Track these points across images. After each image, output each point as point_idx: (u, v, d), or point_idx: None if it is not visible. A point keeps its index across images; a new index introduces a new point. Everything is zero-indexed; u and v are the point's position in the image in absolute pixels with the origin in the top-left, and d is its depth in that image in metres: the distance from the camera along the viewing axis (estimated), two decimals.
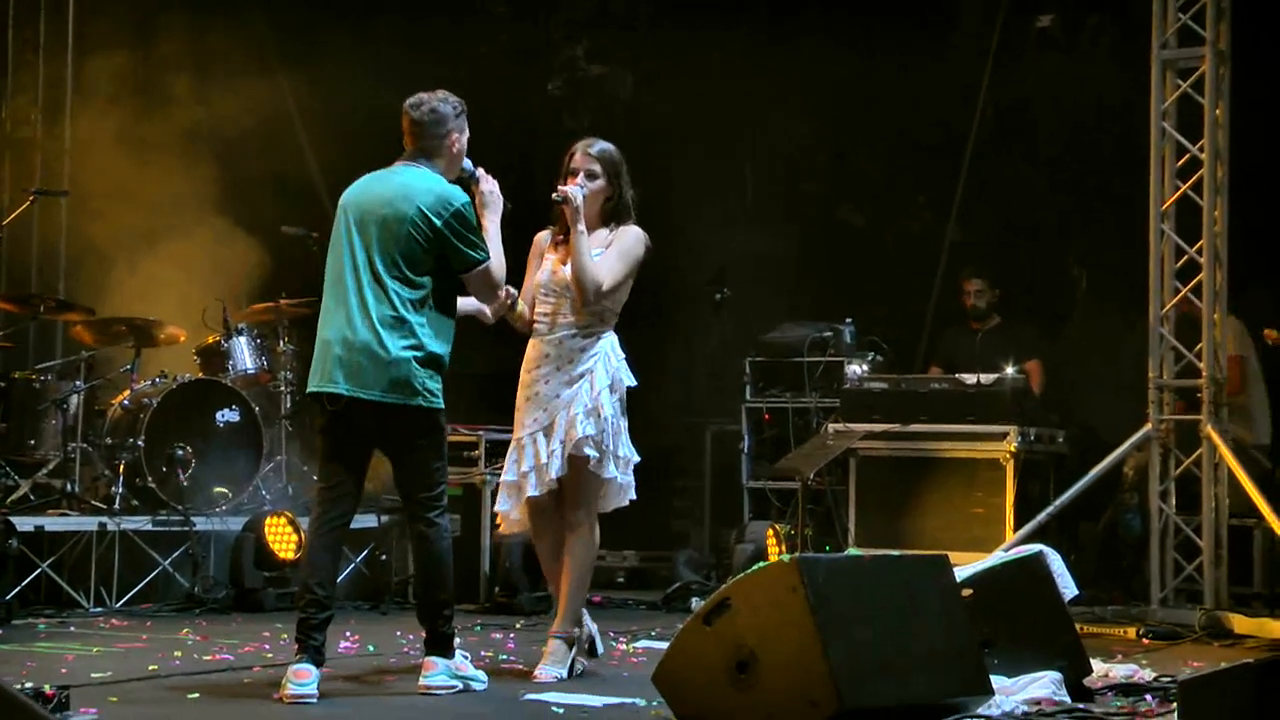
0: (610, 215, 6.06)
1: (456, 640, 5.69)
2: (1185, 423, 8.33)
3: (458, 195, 5.59)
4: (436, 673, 5.53)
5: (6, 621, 7.40)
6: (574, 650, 6.03)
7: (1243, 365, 8.92)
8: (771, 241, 11.05)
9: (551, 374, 5.98)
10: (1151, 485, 8.35)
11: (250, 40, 10.90)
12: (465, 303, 5.81)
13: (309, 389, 5.64)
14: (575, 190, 5.96)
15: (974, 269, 9.63)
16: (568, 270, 5.99)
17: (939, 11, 10.91)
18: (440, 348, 5.55)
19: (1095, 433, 9.35)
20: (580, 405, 5.92)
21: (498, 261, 5.66)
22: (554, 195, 5.99)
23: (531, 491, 5.96)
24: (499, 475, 8.44)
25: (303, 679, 5.37)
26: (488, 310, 5.92)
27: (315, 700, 5.35)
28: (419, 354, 5.48)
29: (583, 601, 6.08)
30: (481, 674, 5.72)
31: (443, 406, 5.58)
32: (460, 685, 5.57)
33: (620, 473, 6.00)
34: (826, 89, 10.86)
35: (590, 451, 5.90)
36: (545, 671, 5.91)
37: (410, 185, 5.57)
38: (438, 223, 5.51)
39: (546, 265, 6.07)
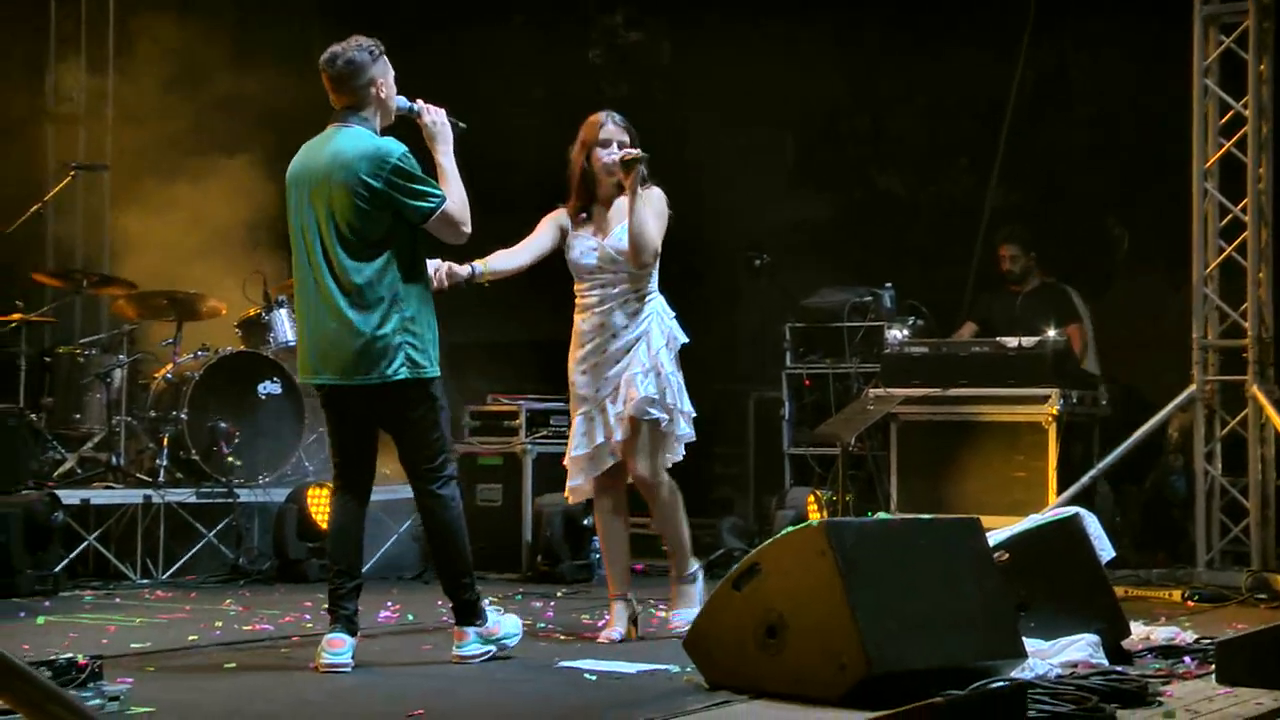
0: (642, 183, 6.09)
1: (486, 600, 5.69)
2: (1230, 383, 8.25)
3: (393, 149, 5.32)
4: (468, 642, 5.53)
5: (54, 594, 7.49)
6: (699, 582, 6.25)
7: (1080, 333, 9.14)
8: (811, 206, 11.00)
9: (608, 342, 6.07)
10: (1196, 447, 8.28)
11: (293, 12, 10.91)
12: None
13: (300, 379, 5.62)
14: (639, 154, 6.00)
15: (1007, 234, 9.55)
16: (608, 243, 6.04)
17: None
18: (414, 310, 5.38)
19: (1139, 394, 9.27)
20: (639, 365, 6.01)
21: (457, 198, 5.39)
22: (628, 157, 5.96)
23: (610, 460, 6.07)
24: (539, 445, 8.60)
25: (337, 648, 5.38)
26: (444, 276, 5.69)
27: (350, 669, 5.36)
28: (393, 327, 5.33)
29: (688, 538, 6.24)
30: (514, 625, 5.67)
31: (433, 375, 5.42)
32: (493, 650, 5.57)
33: (688, 427, 6.13)
34: (866, 52, 10.78)
35: (656, 412, 6.00)
36: (678, 617, 6.11)
37: (343, 152, 5.32)
38: (378, 184, 5.27)
39: (585, 245, 6.08)
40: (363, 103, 5.41)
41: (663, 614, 6.95)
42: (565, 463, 6.22)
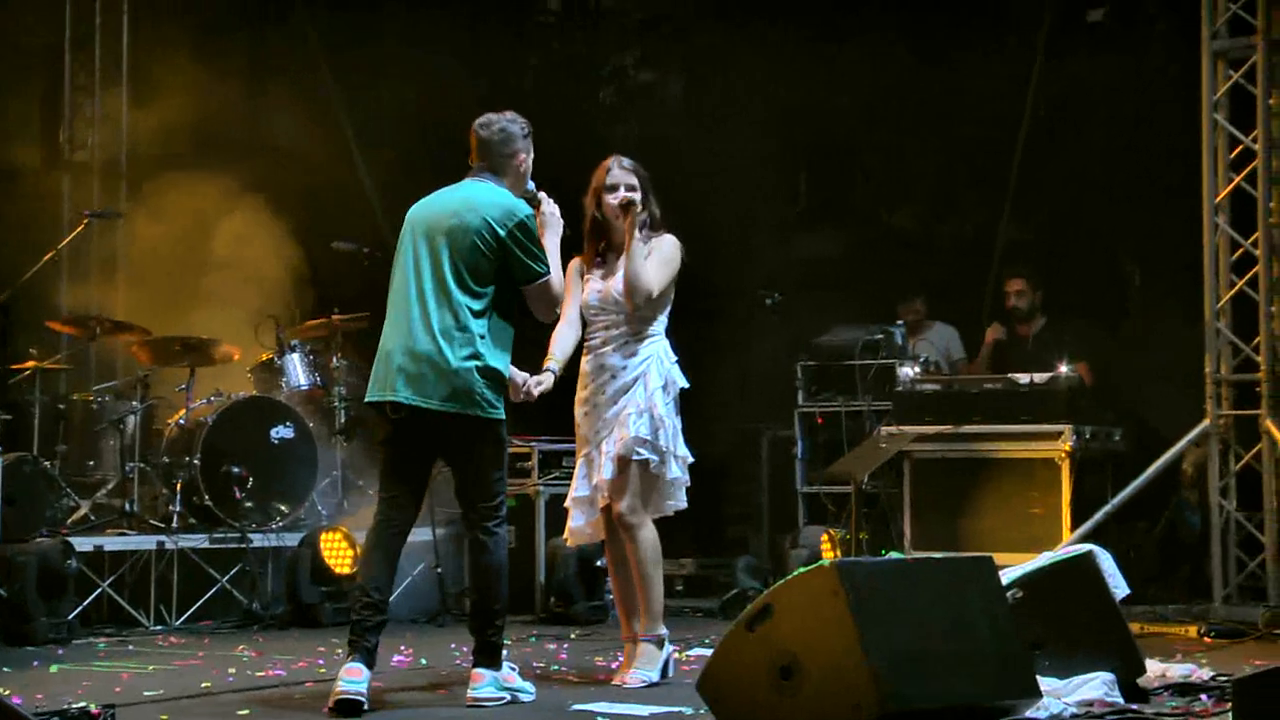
0: (642, 228, 6.13)
1: (505, 652, 5.70)
2: (1244, 417, 8.23)
3: (522, 207, 5.67)
4: (484, 685, 5.54)
5: (67, 641, 7.49)
6: (665, 650, 6.09)
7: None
8: (824, 243, 10.99)
9: (607, 384, 6.09)
10: (1211, 481, 8.26)
11: (304, 58, 10.98)
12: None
13: (369, 398, 5.69)
14: (638, 197, 6.08)
15: (1015, 269, 9.54)
16: (614, 284, 6.07)
17: (989, 7, 10.82)
18: (500, 360, 5.60)
19: (1155, 430, 9.23)
20: (633, 406, 6.03)
21: (557, 278, 5.74)
22: (619, 203, 6.06)
23: (604, 501, 6.05)
24: (552, 486, 8.60)
25: (354, 677, 5.41)
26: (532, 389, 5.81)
27: (364, 699, 5.38)
28: (480, 364, 5.53)
29: (661, 598, 6.12)
30: (529, 685, 5.73)
31: (503, 417, 5.62)
32: (508, 697, 5.58)
33: (682, 472, 6.11)
34: (878, 88, 10.80)
35: (646, 453, 6.00)
36: (634, 676, 5.98)
37: (475, 197, 5.66)
38: (502, 233, 5.58)
39: (592, 286, 6.15)
40: (502, 169, 5.74)
41: (677, 655, 6.94)
42: (567, 504, 6.23)
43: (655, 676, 6.00)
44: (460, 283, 5.56)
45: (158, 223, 10.20)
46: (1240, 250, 8.29)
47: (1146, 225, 9.97)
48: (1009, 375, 8.79)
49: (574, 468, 6.24)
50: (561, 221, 5.89)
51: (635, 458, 6.00)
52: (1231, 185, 8.29)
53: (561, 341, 6.08)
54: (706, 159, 11.06)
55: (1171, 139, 9.41)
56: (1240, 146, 8.29)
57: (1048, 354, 8.94)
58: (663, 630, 6.12)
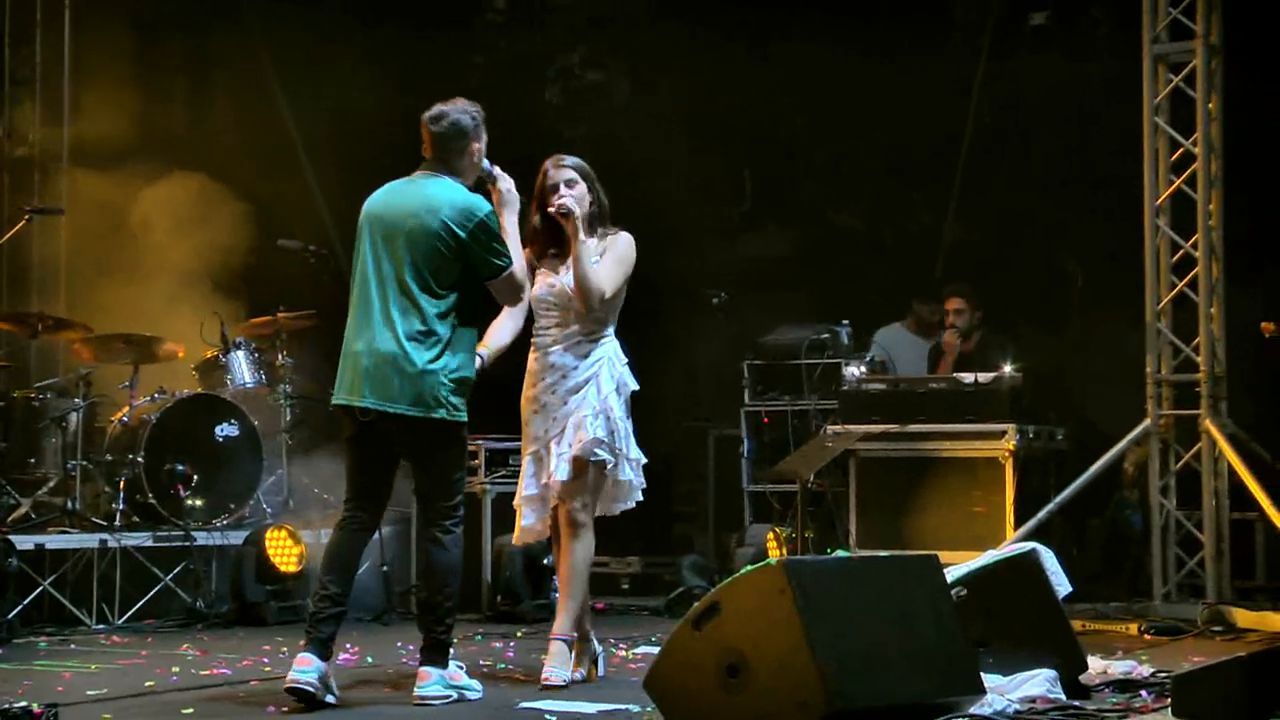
0: (593, 221, 6.09)
1: (452, 650, 5.70)
2: (1184, 417, 8.32)
3: (481, 205, 5.63)
4: (431, 683, 5.54)
5: (8, 640, 7.41)
6: (574, 653, 6.06)
7: None
8: (770, 243, 11.04)
9: (558, 383, 6.05)
10: (1151, 481, 8.35)
11: (248, 55, 10.92)
12: None
13: (335, 400, 5.69)
14: (573, 203, 6.01)
15: (955, 288, 9.58)
16: (564, 280, 6.04)
17: (934, 10, 10.90)
18: (463, 362, 5.61)
19: (1097, 429, 9.33)
20: (589, 407, 6.00)
21: (519, 263, 5.72)
22: (553, 210, 6.01)
23: (554, 500, 6.05)
24: (499, 485, 8.59)
25: (303, 666, 5.42)
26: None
27: (314, 688, 5.39)
28: (444, 368, 5.53)
29: (583, 601, 6.11)
30: (476, 683, 5.73)
31: (465, 420, 5.63)
32: (455, 695, 5.58)
33: (634, 474, 6.11)
34: (823, 90, 10.86)
35: (604, 454, 6.00)
36: (553, 673, 5.97)
37: (433, 197, 5.60)
38: (462, 234, 5.55)
39: (545, 280, 6.11)
40: (455, 163, 5.68)
41: (623, 653, 6.96)
42: (516, 503, 6.21)
43: (568, 676, 5.97)
44: (423, 286, 5.54)
45: (100, 219, 10.12)
46: (1180, 252, 8.39)
47: (1089, 226, 10.07)
48: (954, 375, 8.85)
49: (520, 466, 6.23)
50: (519, 198, 5.84)
51: (593, 459, 5.99)
52: (1172, 188, 8.39)
53: (499, 331, 6.01)
54: (652, 158, 11.09)
55: (1114, 141, 9.51)
56: (1181, 150, 8.39)
57: (990, 360, 9.00)
58: (575, 633, 6.08)
